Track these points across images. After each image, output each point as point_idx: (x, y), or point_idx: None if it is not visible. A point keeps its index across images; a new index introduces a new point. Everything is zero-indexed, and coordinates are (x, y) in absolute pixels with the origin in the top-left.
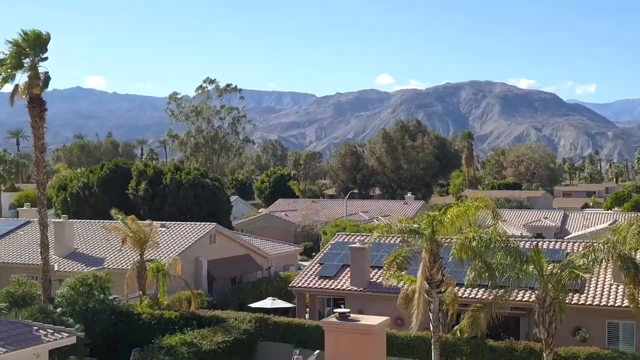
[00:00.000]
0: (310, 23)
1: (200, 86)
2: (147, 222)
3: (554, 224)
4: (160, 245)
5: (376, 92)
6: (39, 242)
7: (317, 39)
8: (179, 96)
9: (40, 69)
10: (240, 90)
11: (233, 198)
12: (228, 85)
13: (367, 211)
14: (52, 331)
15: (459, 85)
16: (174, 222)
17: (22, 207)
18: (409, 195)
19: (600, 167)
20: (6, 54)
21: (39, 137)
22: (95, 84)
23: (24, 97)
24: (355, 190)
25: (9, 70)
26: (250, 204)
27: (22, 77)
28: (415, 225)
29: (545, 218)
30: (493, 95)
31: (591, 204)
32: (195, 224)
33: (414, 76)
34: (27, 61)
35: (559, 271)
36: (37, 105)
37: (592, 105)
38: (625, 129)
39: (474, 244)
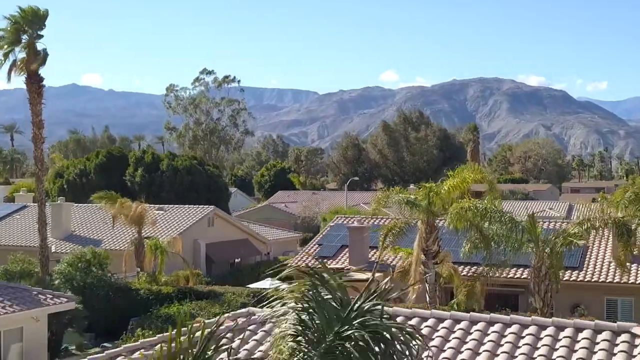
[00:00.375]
0: (313, 18)
1: (197, 78)
2: (136, 202)
3: (558, 215)
4: (158, 227)
5: (380, 89)
6: (37, 220)
7: (319, 34)
8: (177, 88)
9: (39, 46)
10: (240, 81)
11: (232, 190)
12: (226, 77)
13: (368, 202)
14: (51, 296)
15: (466, 82)
16: (171, 205)
17: (19, 192)
18: (411, 187)
19: (611, 164)
20: (3, 29)
21: (36, 113)
22: (91, 81)
23: (21, 73)
24: (356, 178)
25: (7, 46)
26: (252, 200)
27: (19, 54)
28: (412, 197)
29: (550, 209)
30: (501, 93)
31: (600, 200)
32: (193, 207)
33: (420, 73)
34: (25, 37)
35: (553, 238)
36: (35, 81)
37: (603, 103)
38: (638, 127)
39: (469, 214)
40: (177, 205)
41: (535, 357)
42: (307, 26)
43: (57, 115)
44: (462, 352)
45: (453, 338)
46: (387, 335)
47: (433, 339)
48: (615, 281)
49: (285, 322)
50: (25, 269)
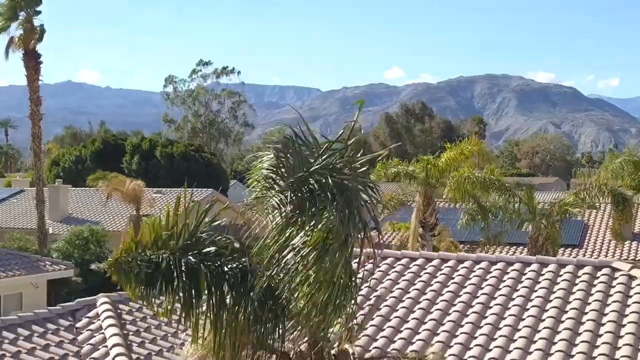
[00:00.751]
0: (315, 13)
1: (194, 70)
2: (130, 179)
3: None
4: (157, 208)
5: (385, 86)
6: (34, 206)
7: (322, 30)
8: (176, 79)
9: (35, 22)
10: (239, 72)
11: (232, 182)
12: (225, 68)
13: None
14: (49, 263)
15: (473, 79)
16: (169, 189)
17: (15, 177)
18: None
19: None
20: (1, 6)
21: (34, 89)
22: (88, 78)
23: (19, 49)
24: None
25: (4, 23)
26: None
27: (17, 31)
28: (411, 169)
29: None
30: (509, 90)
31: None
32: (192, 190)
33: (426, 69)
34: (22, 14)
35: (549, 207)
36: (32, 57)
37: (615, 100)
38: None
39: (467, 183)
40: (175, 189)
41: (519, 289)
42: (309, 22)
43: (52, 114)
44: (449, 285)
45: (440, 274)
46: (349, 184)
47: (421, 275)
48: (615, 258)
49: (262, 160)
50: (23, 246)
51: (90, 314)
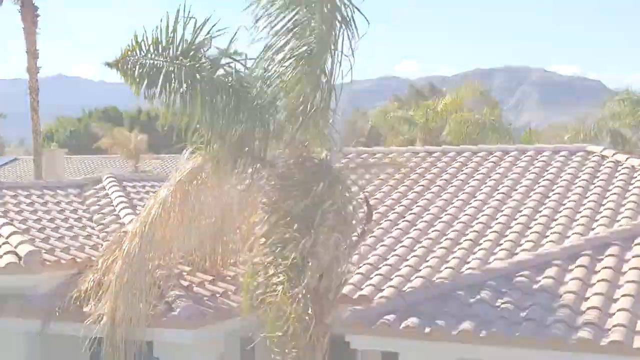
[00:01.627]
0: None
1: None
2: (134, 133)
3: None
4: (156, 167)
5: (397, 79)
6: (28, 173)
7: None
8: None
9: None
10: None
11: None
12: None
13: None
14: None
15: (490, 72)
16: (170, 155)
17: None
18: None
19: None
20: None
21: (32, 42)
22: (81, 72)
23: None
24: (362, 139)
25: None
26: None
27: None
28: (411, 113)
29: None
30: (530, 83)
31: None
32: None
33: (440, 61)
34: None
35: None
36: (30, 9)
37: None
38: None
39: (467, 127)
40: (175, 155)
41: (497, 170)
42: None
43: (43, 110)
44: (433, 170)
45: (426, 162)
46: None
47: (407, 164)
48: None
49: None
50: None
51: (97, 187)
